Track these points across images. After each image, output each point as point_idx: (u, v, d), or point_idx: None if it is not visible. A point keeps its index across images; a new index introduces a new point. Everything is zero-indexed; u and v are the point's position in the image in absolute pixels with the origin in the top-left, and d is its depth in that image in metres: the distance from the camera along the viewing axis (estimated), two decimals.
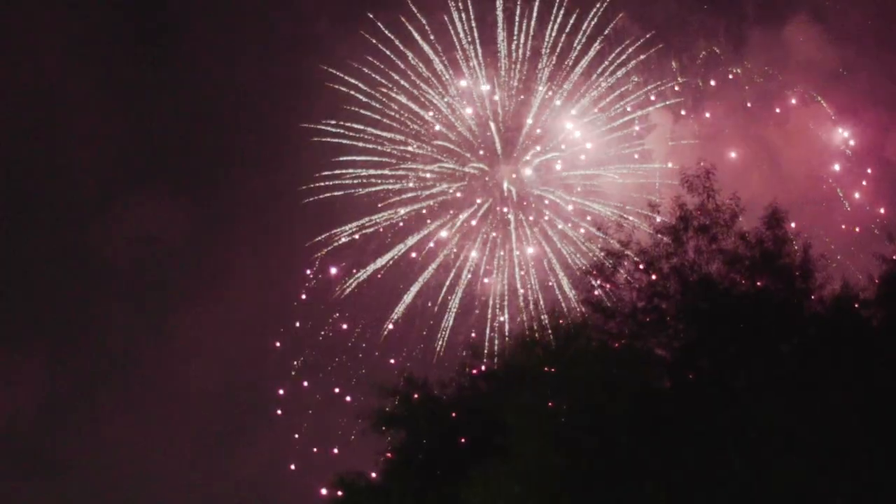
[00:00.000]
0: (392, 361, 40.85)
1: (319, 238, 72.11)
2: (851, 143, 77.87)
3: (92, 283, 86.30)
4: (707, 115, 73.69)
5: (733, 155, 73.16)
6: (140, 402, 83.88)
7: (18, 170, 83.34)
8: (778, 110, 77.70)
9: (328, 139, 71.69)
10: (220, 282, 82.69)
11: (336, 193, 71.47)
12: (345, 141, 71.77)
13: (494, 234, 72.02)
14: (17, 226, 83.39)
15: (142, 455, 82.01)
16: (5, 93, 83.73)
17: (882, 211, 73.48)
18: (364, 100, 71.48)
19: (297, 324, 74.83)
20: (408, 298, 70.85)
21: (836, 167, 78.07)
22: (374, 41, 71.27)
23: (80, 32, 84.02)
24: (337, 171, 71.58)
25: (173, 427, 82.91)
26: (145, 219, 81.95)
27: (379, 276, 71.59)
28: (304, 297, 73.75)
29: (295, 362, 75.75)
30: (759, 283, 34.58)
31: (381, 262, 71.68)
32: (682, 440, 31.69)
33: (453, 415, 38.31)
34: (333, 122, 71.61)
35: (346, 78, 71.44)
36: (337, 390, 73.61)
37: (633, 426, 32.15)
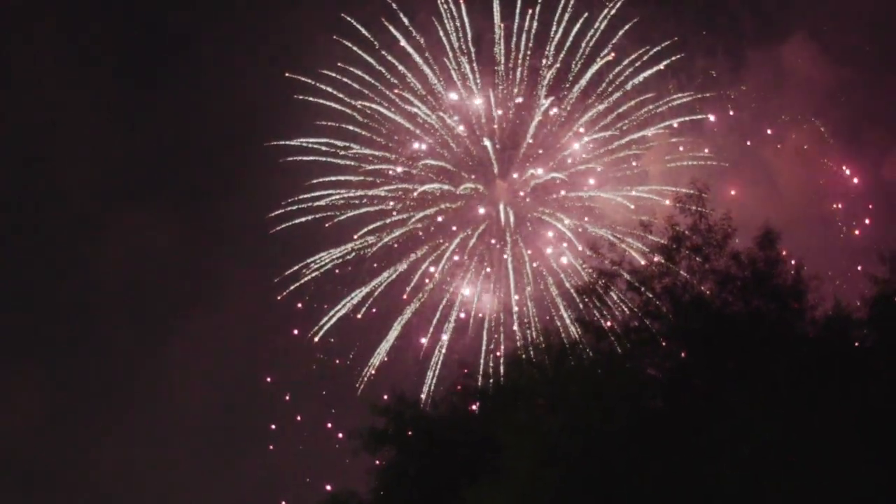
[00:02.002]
0: (385, 397, 40.71)
1: (303, 264, 71.05)
2: (849, 169, 77.95)
3: (87, 300, 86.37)
4: (706, 150, 73.25)
5: (731, 184, 72.95)
6: (134, 423, 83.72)
7: (15, 187, 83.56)
8: (778, 146, 77.66)
9: (304, 157, 70.62)
10: (215, 300, 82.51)
11: (322, 215, 70.43)
12: (322, 159, 70.75)
13: (490, 268, 71.23)
14: (13, 242, 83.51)
15: (135, 477, 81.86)
16: (1, 109, 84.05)
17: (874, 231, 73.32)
18: (356, 116, 70.64)
19: (287, 354, 73.66)
20: (401, 322, 70.12)
21: (834, 187, 78.15)
22: (360, 52, 70.34)
23: (76, 53, 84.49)
24: (318, 193, 70.54)
25: (167, 448, 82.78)
26: (141, 236, 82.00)
27: (363, 312, 70.48)
28: (295, 332, 72.64)
29: (287, 396, 75.58)
30: (751, 304, 34.64)
31: (372, 284, 70.86)
32: (676, 460, 31.69)
33: (446, 433, 38.25)
34: (314, 140, 70.62)
35: (328, 89, 70.55)
36: (329, 425, 73.10)
37: (626, 445, 32.15)
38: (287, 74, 71.21)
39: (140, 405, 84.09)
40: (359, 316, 70.19)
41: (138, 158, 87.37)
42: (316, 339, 70.28)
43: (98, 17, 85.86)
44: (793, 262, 35.06)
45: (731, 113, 75.93)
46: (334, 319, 70.44)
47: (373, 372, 69.51)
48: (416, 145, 71.54)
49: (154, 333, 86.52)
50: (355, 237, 70.84)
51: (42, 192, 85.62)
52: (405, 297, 70.17)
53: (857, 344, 33.60)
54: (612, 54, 70.57)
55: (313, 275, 70.55)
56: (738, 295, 34.78)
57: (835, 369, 32.05)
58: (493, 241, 72.12)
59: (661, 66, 71.56)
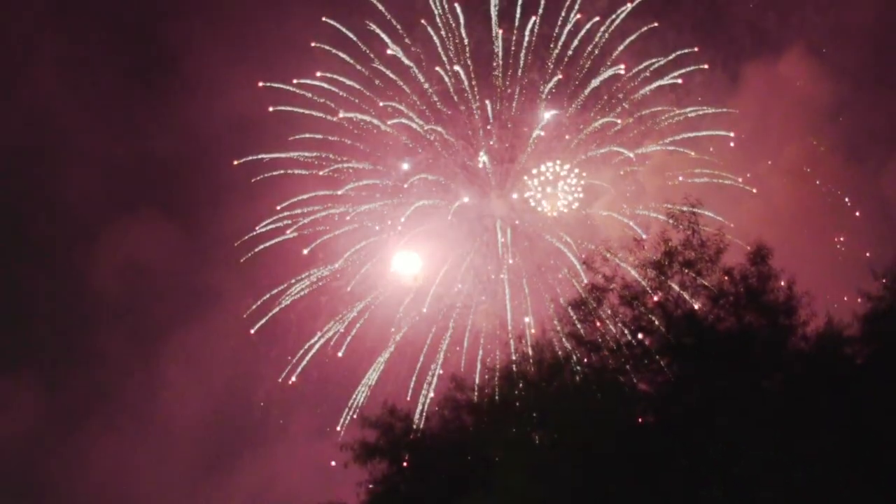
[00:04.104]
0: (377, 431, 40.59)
1: (284, 285, 70.20)
2: (846, 186, 77.94)
3: (82, 310, 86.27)
4: (701, 168, 72.98)
5: (728, 199, 72.63)
6: (128, 433, 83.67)
7: (10, 196, 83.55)
8: (773, 163, 77.60)
9: (296, 171, 69.98)
10: (209, 310, 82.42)
11: (311, 230, 69.69)
12: (309, 171, 70.00)
13: (486, 283, 70.69)
14: (8, 252, 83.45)
15: (128, 486, 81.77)
16: None
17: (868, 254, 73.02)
18: (351, 129, 70.20)
19: (280, 379, 72.53)
20: (396, 339, 69.57)
21: (830, 205, 78.16)
22: (353, 62, 69.91)
23: (74, 62, 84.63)
24: (306, 209, 69.96)
25: (161, 458, 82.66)
26: (136, 246, 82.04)
27: (356, 328, 69.76)
28: (290, 357, 71.58)
29: (281, 421, 75.38)
30: (743, 319, 34.55)
31: (365, 302, 70.35)
32: (667, 475, 31.60)
33: (437, 447, 38.14)
34: (308, 154, 70.12)
35: (323, 100, 70.14)
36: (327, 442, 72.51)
37: (617, 460, 32.05)
38: (260, 84, 70.74)
39: (134, 415, 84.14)
40: (342, 349, 69.51)
41: (135, 169, 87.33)
42: (293, 380, 69.69)
43: (96, 25, 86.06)
44: (782, 280, 34.85)
45: (729, 129, 75.73)
46: (326, 336, 69.91)
47: (363, 400, 68.98)
48: (406, 160, 70.93)
49: (149, 345, 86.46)
50: (345, 255, 70.16)
51: (38, 203, 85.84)
52: (400, 313, 69.87)
53: (849, 361, 33.45)
54: (623, 66, 70.21)
55: (301, 293, 69.90)
56: (730, 310, 34.67)
57: (827, 386, 31.96)
58: (489, 256, 71.80)
59: (661, 83, 71.36)
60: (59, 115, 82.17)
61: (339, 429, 67.94)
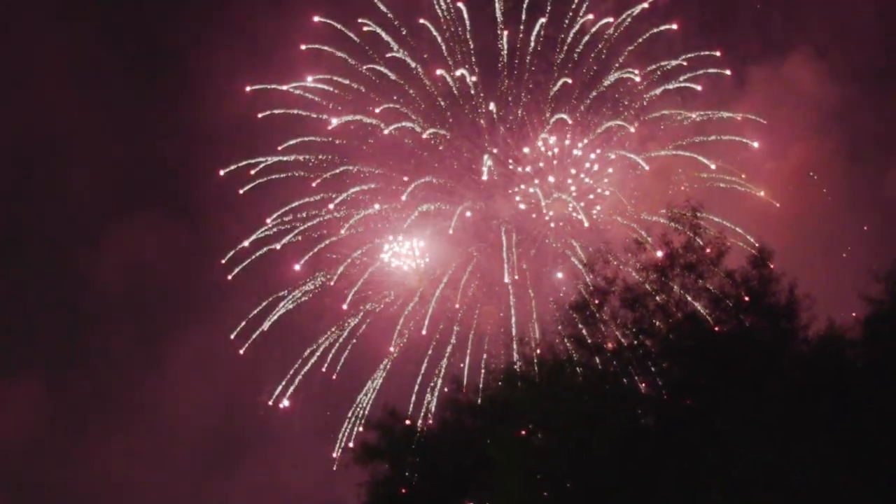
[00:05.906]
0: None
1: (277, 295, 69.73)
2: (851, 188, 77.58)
3: (84, 310, 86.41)
4: (704, 174, 72.52)
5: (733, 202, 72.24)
6: (132, 434, 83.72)
7: (13, 196, 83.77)
8: (781, 166, 77.23)
9: (293, 173, 69.49)
10: (211, 311, 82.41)
11: (317, 234, 69.17)
12: (302, 173, 69.60)
13: (488, 300, 70.31)
14: (11, 251, 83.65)
15: (131, 488, 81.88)
16: (1, 119, 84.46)
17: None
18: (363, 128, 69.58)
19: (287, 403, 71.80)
20: (399, 343, 69.25)
21: (835, 208, 77.86)
22: (354, 62, 69.43)
23: (79, 61, 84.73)
24: (304, 214, 69.28)
25: (164, 458, 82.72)
26: (140, 245, 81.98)
27: (359, 334, 69.36)
28: (286, 370, 70.80)
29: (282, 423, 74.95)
30: (744, 322, 34.53)
31: (369, 306, 69.92)
32: (666, 478, 31.59)
33: (437, 449, 38.18)
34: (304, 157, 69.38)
35: (321, 101, 69.52)
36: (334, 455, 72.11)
37: (617, 463, 32.05)
38: (248, 89, 70.26)
39: (136, 416, 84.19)
40: (343, 356, 69.07)
41: (136, 168, 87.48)
42: (284, 404, 69.24)
43: (96, 26, 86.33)
44: (783, 283, 34.79)
45: (736, 133, 75.37)
46: (329, 340, 69.53)
47: (366, 403, 68.64)
48: (409, 163, 70.42)
49: (151, 346, 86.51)
50: (342, 266, 69.73)
51: (39, 203, 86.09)
52: (403, 318, 69.55)
53: (849, 364, 33.39)
54: (637, 70, 69.61)
55: (300, 301, 69.46)
56: (731, 313, 34.66)
57: (827, 389, 31.92)
58: (493, 259, 71.44)
59: (676, 86, 70.65)
60: (62, 115, 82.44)
61: (340, 435, 67.76)
